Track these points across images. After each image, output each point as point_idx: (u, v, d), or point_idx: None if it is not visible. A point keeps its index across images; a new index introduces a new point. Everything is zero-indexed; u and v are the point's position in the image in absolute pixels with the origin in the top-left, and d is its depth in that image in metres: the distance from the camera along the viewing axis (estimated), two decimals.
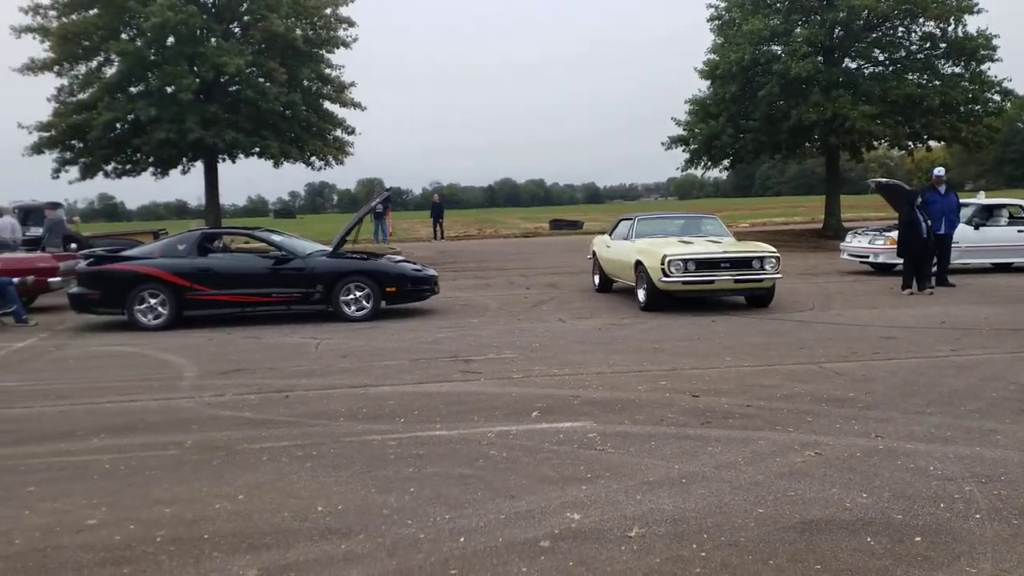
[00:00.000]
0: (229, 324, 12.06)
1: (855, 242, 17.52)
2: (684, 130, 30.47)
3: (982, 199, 18.21)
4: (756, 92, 27.84)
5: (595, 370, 8.13)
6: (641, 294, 12.40)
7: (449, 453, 5.52)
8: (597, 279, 15.32)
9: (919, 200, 14.01)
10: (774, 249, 12.12)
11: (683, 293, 12.02)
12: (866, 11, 26.83)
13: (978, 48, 26.99)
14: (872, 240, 16.93)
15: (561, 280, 17.56)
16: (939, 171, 15.10)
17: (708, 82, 29.77)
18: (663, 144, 30.88)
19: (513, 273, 19.71)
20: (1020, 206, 17.51)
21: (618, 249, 13.86)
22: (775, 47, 27.95)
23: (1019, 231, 16.79)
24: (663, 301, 12.10)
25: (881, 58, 28.79)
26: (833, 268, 18.42)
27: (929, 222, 13.90)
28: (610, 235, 14.94)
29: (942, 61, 28.00)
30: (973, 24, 27.40)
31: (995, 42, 27.02)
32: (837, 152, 30.58)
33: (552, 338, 10.17)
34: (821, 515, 4.27)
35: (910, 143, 29.38)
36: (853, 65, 29.06)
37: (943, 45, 27.56)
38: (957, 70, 27.88)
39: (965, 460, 5.09)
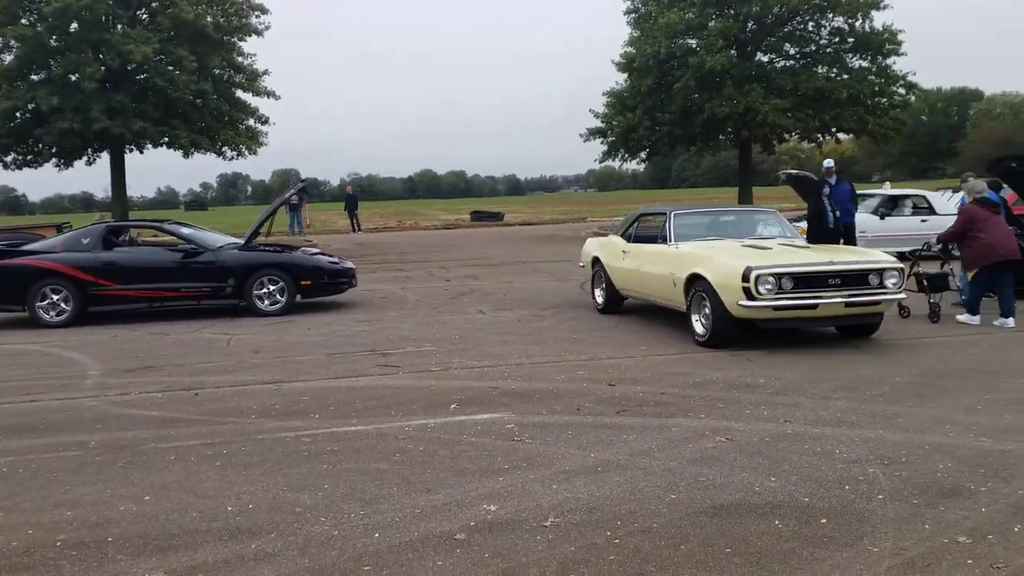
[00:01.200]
0: (136, 320, 11.68)
1: None
2: (602, 122, 30.72)
3: (888, 190, 18.87)
4: (672, 85, 28.20)
5: (514, 361, 8.14)
6: (698, 323, 8.81)
7: (365, 448, 5.45)
8: (600, 296, 11.49)
9: (827, 191, 14.42)
10: (894, 258, 8.86)
11: (770, 322, 8.52)
12: (778, 5, 27.46)
13: (884, 43, 27.80)
14: None
15: (482, 272, 17.54)
16: (828, 163, 15.56)
17: (625, 75, 30.08)
18: (581, 136, 31.09)
19: (433, 265, 19.60)
20: (923, 197, 18.22)
21: (645, 256, 10.31)
22: (690, 40, 28.37)
23: (922, 221, 17.46)
24: (735, 332, 8.56)
25: (792, 52, 29.47)
26: None
27: (837, 212, 14.33)
28: (623, 235, 11.33)
29: (850, 55, 28.74)
30: (879, 19, 28.29)
31: (900, 37, 27.86)
32: (749, 145, 31.24)
33: (472, 330, 10.14)
34: (731, 499, 4.36)
35: (819, 135, 30.20)
36: (765, 59, 29.71)
37: (851, 40, 28.27)
38: (864, 64, 28.66)
39: (869, 443, 5.25)
